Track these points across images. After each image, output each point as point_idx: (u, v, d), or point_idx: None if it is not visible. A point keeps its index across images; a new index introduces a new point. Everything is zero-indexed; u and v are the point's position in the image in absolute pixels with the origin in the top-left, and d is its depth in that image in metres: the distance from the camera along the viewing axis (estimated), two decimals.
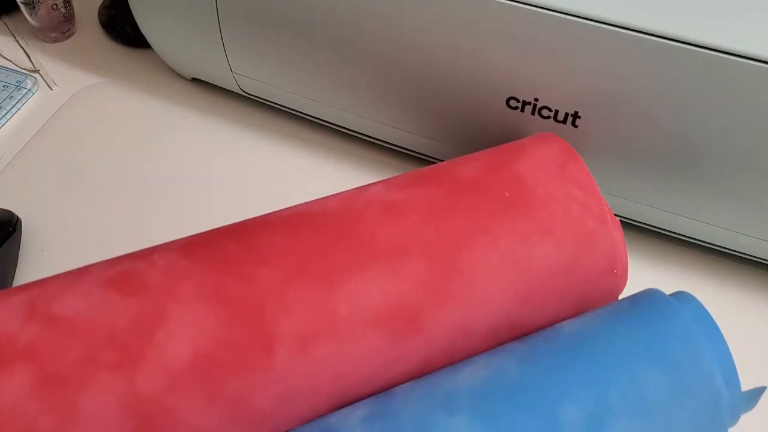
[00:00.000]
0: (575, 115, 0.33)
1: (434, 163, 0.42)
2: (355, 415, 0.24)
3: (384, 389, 0.25)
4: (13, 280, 0.37)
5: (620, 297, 0.30)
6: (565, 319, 0.28)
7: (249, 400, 0.23)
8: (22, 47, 0.51)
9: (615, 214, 0.31)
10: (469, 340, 0.26)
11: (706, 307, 0.28)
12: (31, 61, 0.50)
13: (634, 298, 0.29)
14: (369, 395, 0.25)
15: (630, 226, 0.39)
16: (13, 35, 0.52)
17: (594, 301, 0.29)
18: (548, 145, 0.30)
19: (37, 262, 0.38)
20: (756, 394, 0.26)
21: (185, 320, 0.24)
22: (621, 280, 0.29)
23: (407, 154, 0.43)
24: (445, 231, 0.27)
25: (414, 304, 0.25)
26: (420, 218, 0.27)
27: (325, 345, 0.24)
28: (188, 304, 0.24)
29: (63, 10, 0.51)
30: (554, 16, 0.30)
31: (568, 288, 0.27)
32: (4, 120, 0.46)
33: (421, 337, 0.25)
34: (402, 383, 0.25)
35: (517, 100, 0.34)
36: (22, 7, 0.49)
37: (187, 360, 0.23)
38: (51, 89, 0.48)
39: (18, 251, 0.38)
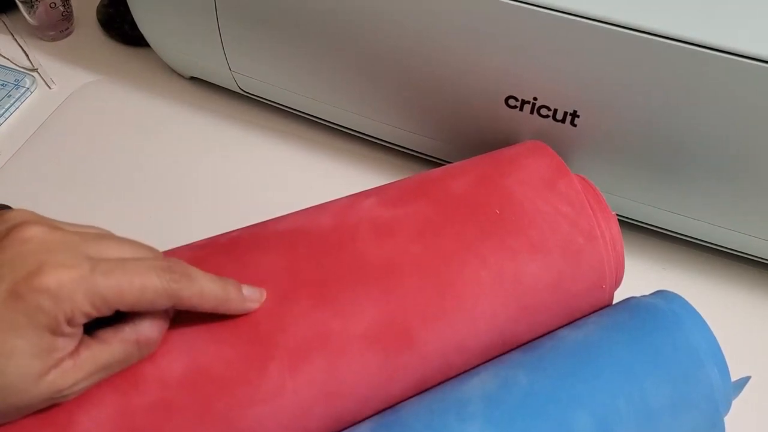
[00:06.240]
0: (574, 114, 0.33)
1: (433, 162, 0.42)
2: (363, 427, 0.24)
3: (379, 412, 0.25)
4: None
5: (618, 294, 0.30)
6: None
7: (239, 419, 0.23)
8: (20, 46, 0.51)
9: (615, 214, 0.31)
10: (463, 357, 0.26)
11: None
12: (30, 60, 0.50)
13: (634, 306, 0.29)
14: (364, 419, 0.25)
15: (629, 225, 0.39)
16: (11, 34, 0.52)
17: (583, 315, 0.29)
18: (539, 158, 0.31)
19: None
20: (741, 383, 0.27)
21: (181, 337, 0.24)
22: (609, 294, 0.29)
23: (406, 152, 0.43)
24: (435, 249, 0.27)
25: (405, 320, 0.25)
26: (411, 236, 0.27)
27: (317, 362, 0.24)
28: (185, 322, 0.24)
29: (61, 8, 0.50)
30: (553, 15, 0.30)
31: (557, 303, 0.28)
32: (2, 118, 0.46)
33: (413, 353, 0.25)
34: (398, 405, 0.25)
35: (516, 99, 0.34)
36: (20, 5, 0.49)
37: (181, 376, 0.23)
38: (49, 88, 0.48)
39: None
